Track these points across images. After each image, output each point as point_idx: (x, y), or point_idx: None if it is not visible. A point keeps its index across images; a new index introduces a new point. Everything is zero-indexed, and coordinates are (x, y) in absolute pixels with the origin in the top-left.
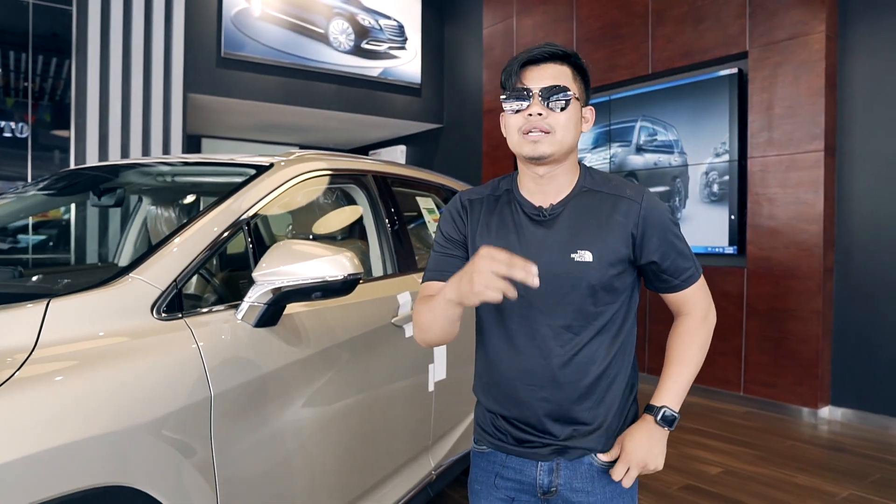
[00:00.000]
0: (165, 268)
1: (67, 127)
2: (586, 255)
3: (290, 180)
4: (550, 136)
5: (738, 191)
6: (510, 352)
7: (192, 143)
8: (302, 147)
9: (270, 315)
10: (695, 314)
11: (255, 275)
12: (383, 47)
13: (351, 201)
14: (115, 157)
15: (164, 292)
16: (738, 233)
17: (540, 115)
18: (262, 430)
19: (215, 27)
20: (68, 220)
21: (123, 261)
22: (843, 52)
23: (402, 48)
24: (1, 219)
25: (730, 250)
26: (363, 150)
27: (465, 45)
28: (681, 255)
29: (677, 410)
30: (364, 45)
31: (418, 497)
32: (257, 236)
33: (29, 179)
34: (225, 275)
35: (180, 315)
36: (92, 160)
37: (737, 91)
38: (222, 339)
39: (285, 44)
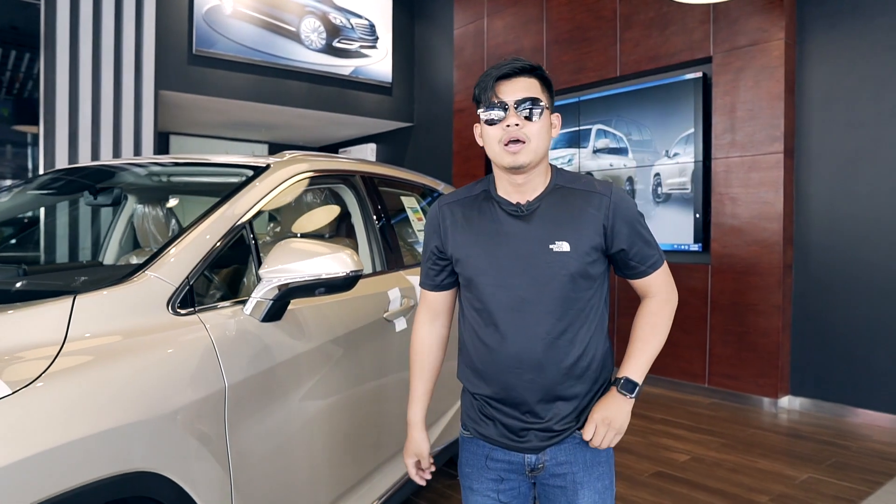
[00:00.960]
0: (179, 265)
1: (35, 123)
2: (564, 246)
3: (287, 180)
4: (526, 145)
5: (702, 190)
6: (495, 337)
7: (160, 139)
8: (271, 145)
9: (276, 310)
10: (658, 296)
11: (261, 272)
12: (355, 46)
13: (339, 200)
14: (85, 154)
15: (178, 288)
16: (703, 231)
17: (517, 125)
18: (270, 418)
19: (187, 24)
20: (41, 219)
21: (108, 259)
22: (801, 58)
23: (374, 47)
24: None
25: (695, 247)
26: (333, 148)
27: (435, 44)
28: (646, 243)
29: (640, 381)
30: (336, 44)
31: (407, 486)
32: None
33: None
34: (227, 271)
35: (193, 310)
36: (61, 157)
37: (701, 94)
38: (233, 334)
39: (257, 41)
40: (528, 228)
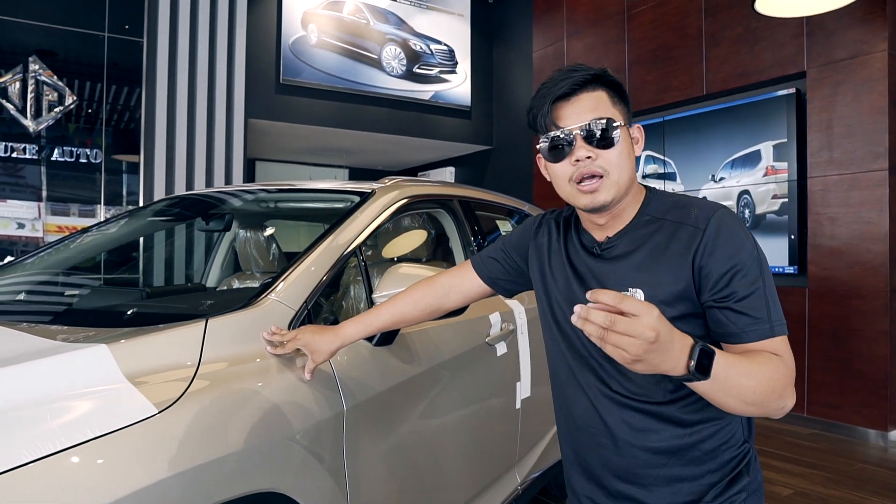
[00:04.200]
0: (298, 288)
1: (136, 152)
2: (638, 294)
3: (391, 206)
4: (605, 179)
5: (797, 210)
6: (564, 412)
7: (247, 166)
8: (352, 170)
9: (389, 335)
10: (786, 363)
11: (374, 296)
12: (434, 71)
13: (436, 224)
14: (180, 181)
15: (297, 312)
16: (799, 252)
17: (589, 158)
18: (383, 440)
19: (274, 55)
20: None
21: (210, 282)
22: None
23: (453, 72)
24: (113, 241)
25: (790, 270)
26: (412, 171)
27: (514, 67)
28: (748, 299)
29: (720, 364)
30: (416, 70)
31: None
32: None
33: (102, 203)
34: (337, 295)
35: None
36: (159, 184)
37: (794, 111)
38: (349, 357)
39: (340, 69)
40: (602, 270)
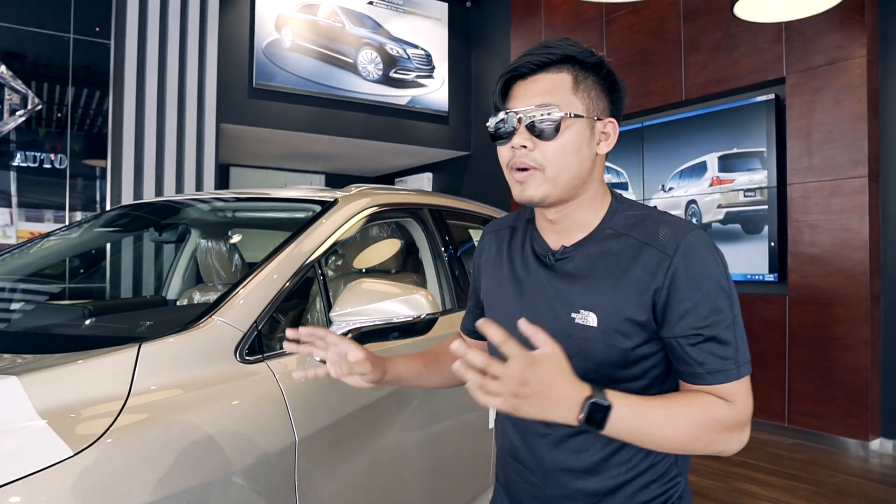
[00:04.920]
0: (246, 308)
1: (104, 157)
2: (590, 319)
3: (355, 215)
4: (538, 172)
5: (777, 217)
6: (503, 425)
7: (220, 172)
8: (328, 175)
9: None
10: (728, 403)
11: (332, 315)
12: (411, 76)
13: (405, 234)
14: (149, 187)
15: (245, 334)
16: (779, 260)
17: (524, 147)
18: (341, 472)
19: (247, 59)
20: (108, 253)
21: (171, 293)
22: (885, 76)
23: (430, 77)
24: (59, 253)
25: (770, 277)
26: (389, 178)
27: (492, 72)
28: (717, 338)
29: (614, 409)
30: (392, 74)
31: None
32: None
33: (67, 209)
34: (294, 312)
35: (262, 357)
36: (127, 190)
37: (773, 117)
38: (302, 382)
39: (315, 74)
40: (554, 284)
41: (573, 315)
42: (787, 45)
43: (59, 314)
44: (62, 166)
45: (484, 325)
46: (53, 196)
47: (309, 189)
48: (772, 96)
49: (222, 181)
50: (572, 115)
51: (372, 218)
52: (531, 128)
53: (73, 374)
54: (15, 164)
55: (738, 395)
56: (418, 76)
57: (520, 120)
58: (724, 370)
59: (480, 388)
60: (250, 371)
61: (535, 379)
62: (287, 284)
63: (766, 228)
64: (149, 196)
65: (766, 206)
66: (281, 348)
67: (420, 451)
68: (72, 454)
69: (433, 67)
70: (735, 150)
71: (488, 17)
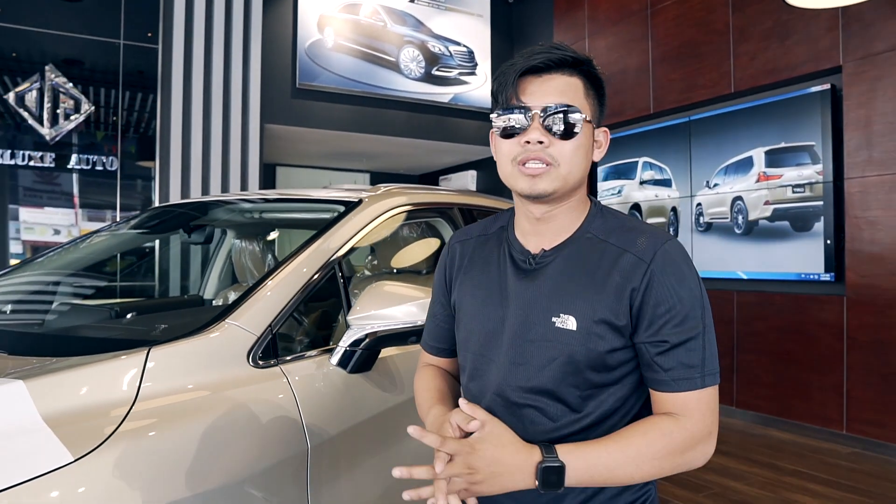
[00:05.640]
0: (260, 312)
1: (152, 159)
2: (569, 322)
3: (380, 216)
4: (553, 169)
5: (833, 214)
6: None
7: (267, 171)
8: (373, 174)
9: (365, 360)
10: (682, 422)
11: (349, 318)
12: (453, 73)
13: (437, 234)
14: (196, 187)
15: (259, 338)
16: (836, 258)
17: (541, 143)
18: (355, 481)
19: (290, 59)
20: (154, 252)
21: (208, 293)
22: None
23: (473, 73)
24: (97, 254)
25: (826, 277)
26: (433, 176)
27: None
28: (685, 346)
29: (569, 475)
30: (434, 72)
31: None
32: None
33: (117, 209)
34: (315, 315)
35: (274, 362)
36: (175, 190)
37: (829, 108)
38: (318, 387)
39: (357, 73)
40: (533, 289)
41: (553, 319)
42: (844, 32)
43: (88, 315)
44: (112, 168)
45: (415, 433)
46: (106, 196)
47: (333, 190)
48: (827, 86)
49: (269, 180)
50: (587, 119)
51: (400, 218)
52: (549, 125)
53: (79, 379)
54: (76, 166)
55: (699, 405)
56: (461, 73)
57: (534, 116)
58: (688, 378)
59: (440, 493)
60: (263, 376)
61: (480, 464)
62: (304, 288)
63: (817, 225)
64: (195, 195)
65: (817, 203)
66: (300, 351)
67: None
68: (72, 460)
69: (475, 64)
70: (783, 145)
71: (530, 12)
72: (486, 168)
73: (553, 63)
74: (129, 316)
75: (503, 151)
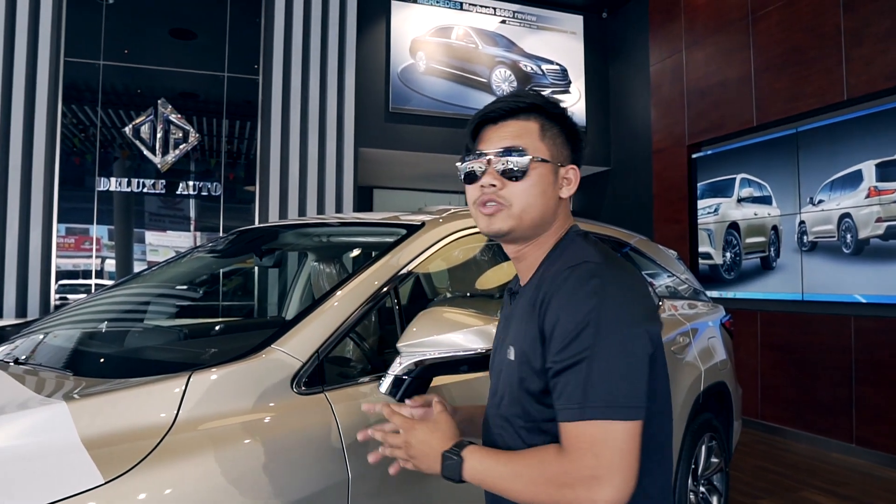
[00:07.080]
0: (307, 339)
1: (253, 183)
2: (510, 353)
3: (443, 239)
4: (505, 209)
5: None
6: None
7: (363, 194)
8: None
9: (415, 388)
10: (561, 455)
11: (399, 345)
12: (547, 92)
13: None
14: (293, 209)
15: (304, 364)
16: None
17: (493, 185)
18: None
19: (384, 84)
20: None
21: (290, 315)
22: None
23: (566, 91)
24: (181, 277)
25: None
26: None
27: (631, 84)
28: (571, 370)
29: (466, 471)
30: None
31: None
32: (418, 291)
33: (221, 231)
34: (371, 340)
35: (320, 389)
36: (273, 212)
37: None
38: (362, 415)
39: (449, 95)
40: (508, 323)
41: (507, 351)
42: None
43: (157, 337)
44: (216, 193)
45: (369, 409)
46: (212, 219)
47: (400, 214)
48: None
49: (366, 203)
50: (539, 159)
51: (465, 241)
52: (500, 168)
53: (120, 402)
54: (184, 192)
55: (577, 441)
56: (554, 91)
57: (489, 161)
58: (566, 408)
59: (387, 451)
60: (306, 403)
61: (413, 441)
62: (355, 314)
63: None
64: (293, 217)
65: None
66: (352, 377)
67: (475, 489)
68: (103, 482)
69: (569, 82)
70: None
71: (625, 26)
72: (581, 188)
73: (505, 111)
74: (188, 339)
75: (468, 196)
